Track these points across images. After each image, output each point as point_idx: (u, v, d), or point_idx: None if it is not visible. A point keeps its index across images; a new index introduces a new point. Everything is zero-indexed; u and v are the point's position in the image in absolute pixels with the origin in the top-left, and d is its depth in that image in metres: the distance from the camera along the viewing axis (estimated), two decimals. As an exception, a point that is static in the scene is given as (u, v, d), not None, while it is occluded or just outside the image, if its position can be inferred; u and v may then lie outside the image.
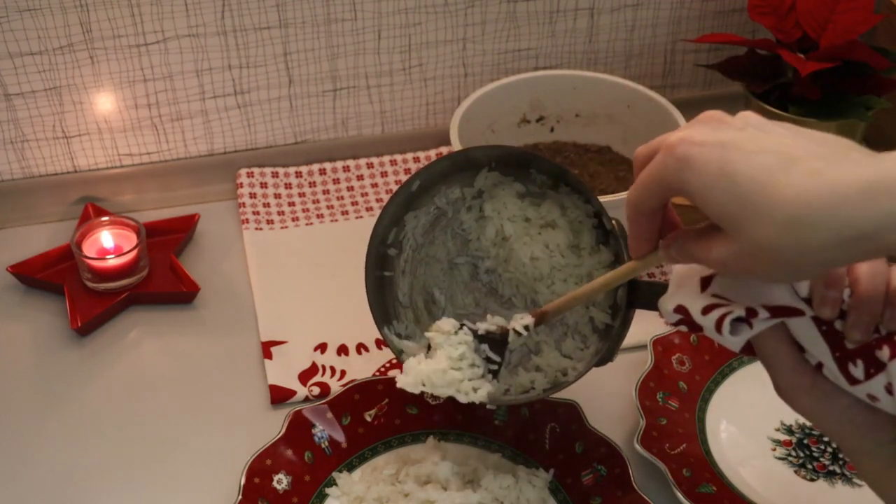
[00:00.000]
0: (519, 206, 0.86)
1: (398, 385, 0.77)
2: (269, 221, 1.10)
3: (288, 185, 1.14)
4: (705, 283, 0.61)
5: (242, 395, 0.93)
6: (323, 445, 0.86)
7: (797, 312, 0.59)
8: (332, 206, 1.13)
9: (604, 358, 0.78)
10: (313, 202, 1.13)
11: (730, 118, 0.56)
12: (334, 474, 0.84)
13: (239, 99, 1.12)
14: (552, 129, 1.14)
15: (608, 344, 0.78)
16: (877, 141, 1.15)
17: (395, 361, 0.95)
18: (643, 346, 0.94)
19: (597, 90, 1.11)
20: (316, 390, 0.92)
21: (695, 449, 0.86)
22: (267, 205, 1.12)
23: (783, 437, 0.88)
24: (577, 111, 1.13)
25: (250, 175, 1.14)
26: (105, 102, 1.08)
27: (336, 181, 1.15)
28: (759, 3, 1.07)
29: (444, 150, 1.18)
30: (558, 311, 0.75)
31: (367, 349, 0.97)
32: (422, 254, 0.88)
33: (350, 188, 1.15)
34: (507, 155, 0.83)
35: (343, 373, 0.94)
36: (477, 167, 0.85)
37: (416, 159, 1.17)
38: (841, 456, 0.87)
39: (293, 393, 0.92)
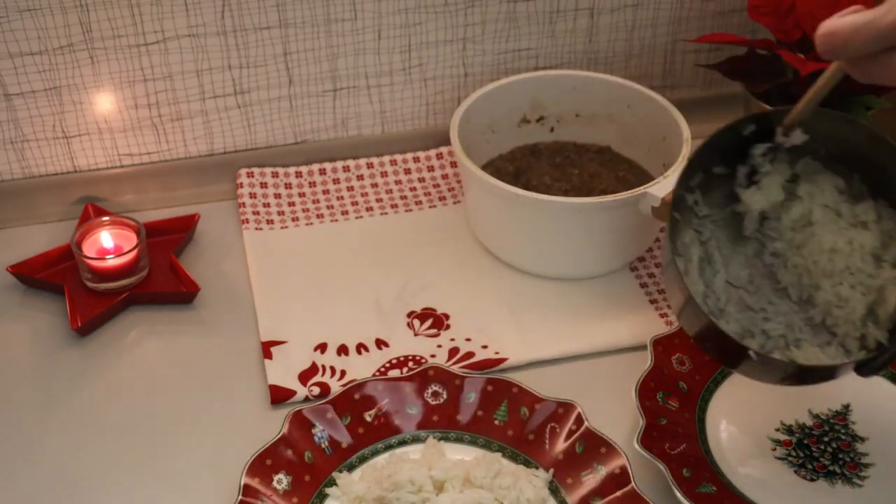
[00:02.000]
0: (835, 198, 0.83)
1: None
2: (269, 221, 1.10)
3: (288, 185, 1.14)
4: None
5: (242, 395, 0.93)
6: (323, 445, 0.86)
7: None
8: (332, 206, 1.13)
9: (870, 367, 0.76)
10: (313, 202, 1.13)
11: None
12: (334, 474, 0.84)
13: (239, 99, 1.12)
14: (552, 129, 1.14)
15: (881, 357, 0.76)
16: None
17: (394, 361, 0.95)
18: (643, 346, 0.94)
19: (597, 90, 1.11)
20: (316, 390, 0.92)
21: (695, 449, 0.86)
22: (267, 205, 1.12)
23: (783, 437, 0.88)
24: (577, 111, 1.13)
25: (250, 175, 1.14)
26: (105, 102, 1.08)
27: (336, 181, 1.15)
28: (759, 4, 1.07)
29: (444, 149, 1.18)
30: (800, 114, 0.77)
31: (367, 349, 0.97)
32: (714, 213, 0.86)
33: (350, 188, 1.15)
34: (850, 149, 0.80)
35: (343, 373, 0.94)
36: (804, 153, 0.82)
37: (416, 159, 1.17)
38: (841, 456, 0.87)
39: (293, 393, 0.92)
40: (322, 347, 0.97)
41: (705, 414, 0.90)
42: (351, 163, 1.16)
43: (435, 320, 1.00)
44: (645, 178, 1.10)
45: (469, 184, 1.05)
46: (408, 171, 1.16)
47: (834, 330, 0.83)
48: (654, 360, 0.91)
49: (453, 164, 1.17)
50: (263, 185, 1.13)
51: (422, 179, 1.16)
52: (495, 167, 1.12)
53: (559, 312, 1.01)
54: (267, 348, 0.96)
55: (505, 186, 0.98)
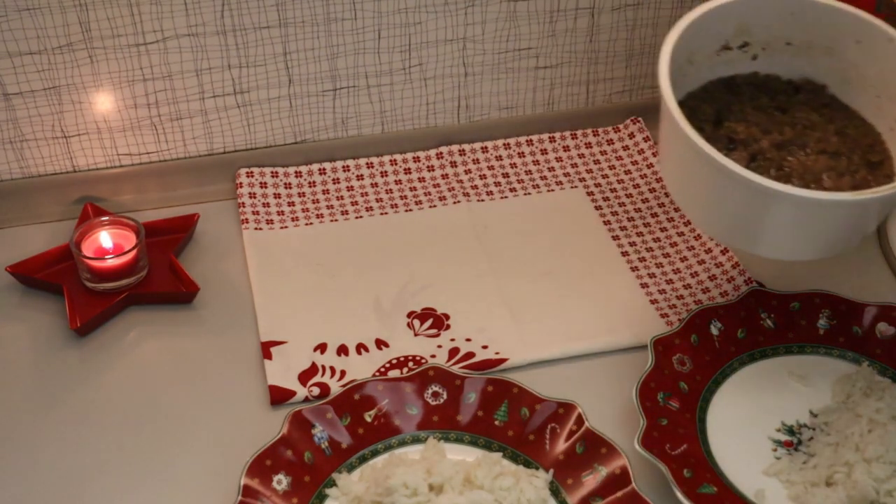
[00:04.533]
0: None
1: None
2: (269, 221, 1.10)
3: (288, 185, 1.14)
4: None
5: (242, 396, 0.93)
6: (323, 446, 0.86)
7: None
8: (331, 206, 1.13)
9: None
10: (313, 202, 1.13)
11: None
12: (334, 475, 0.84)
13: (238, 98, 1.11)
14: (754, 57, 0.95)
15: None
16: (878, 140, 1.14)
17: (394, 361, 0.95)
18: (643, 347, 0.94)
19: (820, 17, 0.92)
20: (316, 391, 0.92)
21: (695, 449, 0.86)
22: (266, 205, 1.12)
23: (784, 437, 0.88)
24: (788, 39, 0.94)
25: (250, 175, 1.14)
26: (104, 102, 1.08)
27: (336, 181, 1.15)
28: (760, 3, 1.06)
29: (444, 149, 1.18)
30: None
31: (366, 349, 0.97)
32: None
33: (350, 188, 1.15)
34: None
35: (343, 373, 0.94)
36: None
37: (416, 159, 1.17)
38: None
39: (293, 393, 0.92)
40: (322, 348, 0.97)
41: (706, 414, 0.90)
42: (351, 163, 1.16)
43: (435, 320, 1.00)
44: (869, 134, 0.92)
45: (688, 159, 0.86)
46: (408, 171, 1.16)
47: None
48: (654, 361, 0.90)
49: (453, 164, 1.17)
50: (263, 185, 1.13)
51: (422, 179, 1.16)
52: (690, 108, 0.90)
53: (559, 312, 1.00)
54: (267, 348, 0.96)
55: (756, 179, 0.80)
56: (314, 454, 0.85)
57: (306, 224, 1.11)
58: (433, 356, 0.95)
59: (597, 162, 1.19)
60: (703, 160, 0.81)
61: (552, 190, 1.15)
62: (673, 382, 0.90)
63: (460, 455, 0.86)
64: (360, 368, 0.94)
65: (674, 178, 0.91)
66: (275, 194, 1.13)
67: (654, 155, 1.18)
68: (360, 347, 0.97)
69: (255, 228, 1.09)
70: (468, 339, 0.97)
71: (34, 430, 0.90)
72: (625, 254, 1.07)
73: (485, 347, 0.96)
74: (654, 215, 1.12)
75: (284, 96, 1.13)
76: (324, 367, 0.95)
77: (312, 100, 1.14)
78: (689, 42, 0.89)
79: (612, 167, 1.18)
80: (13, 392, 0.93)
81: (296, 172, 1.15)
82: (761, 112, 0.92)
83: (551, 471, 0.84)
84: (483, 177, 1.16)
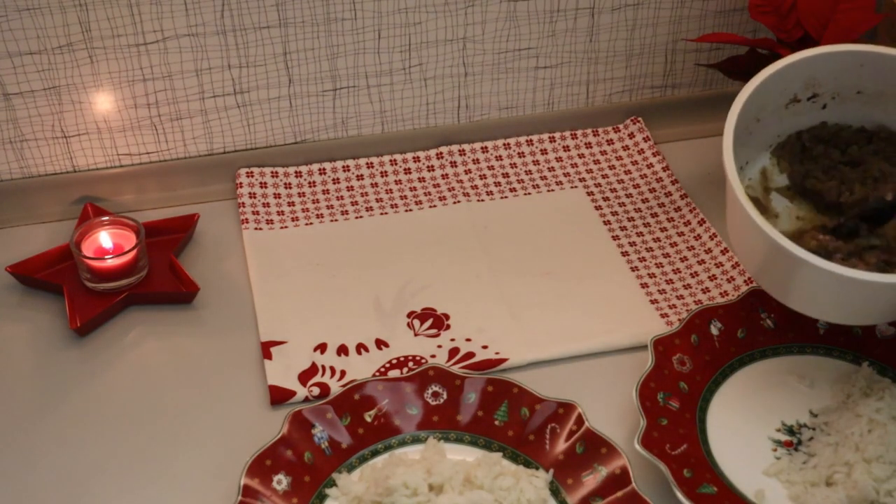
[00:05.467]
0: None
1: None
2: (269, 221, 1.10)
3: (287, 185, 1.14)
4: None
5: (242, 395, 0.93)
6: (323, 446, 0.86)
7: None
8: (331, 206, 1.13)
9: None
10: (313, 202, 1.13)
11: None
12: (334, 475, 0.84)
13: (238, 98, 1.11)
14: (824, 107, 0.96)
15: None
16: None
17: (394, 361, 0.95)
18: (644, 347, 0.94)
19: (891, 68, 0.91)
20: (316, 391, 0.92)
21: (695, 449, 0.86)
22: (266, 205, 1.12)
23: (784, 437, 0.88)
24: (859, 88, 0.94)
25: (250, 175, 1.14)
26: (104, 102, 1.08)
27: (336, 181, 1.15)
28: (760, 3, 1.07)
29: (444, 149, 1.18)
30: None
31: (366, 349, 0.97)
32: None
33: (350, 188, 1.15)
34: None
35: (343, 373, 0.94)
36: None
37: (416, 159, 1.17)
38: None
39: (293, 393, 0.92)
40: (322, 347, 0.97)
41: (706, 414, 0.90)
42: (351, 163, 1.16)
43: (435, 320, 1.00)
44: None
45: (759, 241, 0.85)
46: (408, 171, 1.16)
47: None
48: (654, 361, 0.90)
49: (453, 164, 1.17)
50: (263, 185, 1.13)
51: (422, 179, 1.16)
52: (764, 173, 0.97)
53: (559, 312, 1.00)
54: (267, 348, 0.96)
55: (786, 244, 0.81)
56: (314, 454, 0.85)
57: (306, 224, 1.11)
58: (433, 356, 0.95)
59: (597, 162, 1.19)
60: (747, 220, 0.82)
61: (552, 190, 1.15)
62: (673, 382, 0.90)
63: (460, 455, 0.86)
64: (360, 368, 0.94)
65: (731, 224, 0.92)
66: (275, 194, 1.13)
67: (655, 155, 1.18)
68: (360, 347, 0.97)
69: (255, 228, 1.09)
70: (468, 339, 0.97)
71: (34, 430, 0.90)
72: (625, 254, 1.07)
73: (485, 347, 0.96)
74: (654, 215, 1.12)
75: (284, 96, 1.13)
76: (324, 367, 0.95)
77: (312, 100, 1.14)
78: (756, 101, 0.89)
79: (612, 167, 1.18)
80: (13, 392, 0.93)
81: (296, 172, 1.15)
82: (832, 171, 0.94)
83: (551, 471, 0.84)
84: (483, 177, 1.16)
